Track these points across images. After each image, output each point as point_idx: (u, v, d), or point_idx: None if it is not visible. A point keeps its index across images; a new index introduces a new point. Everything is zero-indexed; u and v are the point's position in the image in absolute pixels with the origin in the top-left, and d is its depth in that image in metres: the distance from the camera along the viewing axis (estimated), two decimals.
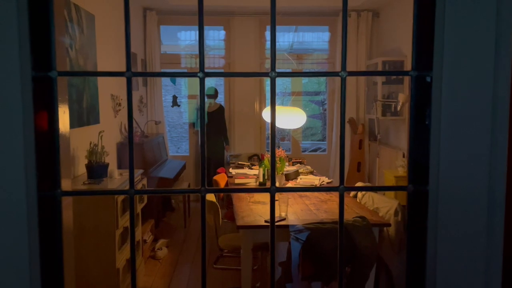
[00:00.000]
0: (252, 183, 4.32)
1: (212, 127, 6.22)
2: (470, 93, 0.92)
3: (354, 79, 6.50)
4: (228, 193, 4.58)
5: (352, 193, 3.89)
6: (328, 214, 3.29)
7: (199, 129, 6.47)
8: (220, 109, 6.34)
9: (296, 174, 4.52)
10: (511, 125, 0.94)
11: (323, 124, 7.96)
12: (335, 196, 3.72)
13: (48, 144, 0.94)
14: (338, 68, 6.60)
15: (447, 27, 0.91)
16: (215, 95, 6.36)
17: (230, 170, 4.99)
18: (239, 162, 5.49)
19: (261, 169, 4.13)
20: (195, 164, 6.82)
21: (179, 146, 8.19)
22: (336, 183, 5.54)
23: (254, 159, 6.13)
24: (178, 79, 7.38)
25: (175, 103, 6.74)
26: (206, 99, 6.11)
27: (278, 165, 4.19)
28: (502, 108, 0.92)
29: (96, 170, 3.39)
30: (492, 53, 0.91)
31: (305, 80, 7.82)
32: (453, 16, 0.91)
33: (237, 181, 4.40)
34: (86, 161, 3.42)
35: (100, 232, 3.22)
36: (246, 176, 4.60)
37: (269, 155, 1.01)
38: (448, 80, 0.92)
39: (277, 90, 6.89)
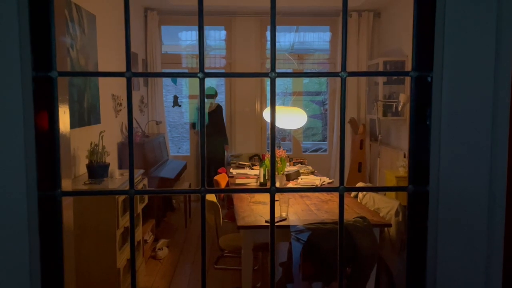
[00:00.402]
0: (253, 183, 4.32)
1: (212, 127, 6.22)
2: (470, 94, 0.92)
3: (355, 79, 6.49)
4: (228, 193, 4.58)
5: (353, 194, 3.89)
6: (329, 215, 3.29)
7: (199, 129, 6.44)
8: (219, 108, 6.35)
9: (297, 174, 4.52)
10: (511, 125, 0.94)
11: (324, 124, 7.97)
12: (336, 196, 3.72)
13: (48, 144, 0.95)
14: (339, 68, 6.60)
15: (447, 27, 0.91)
16: (215, 95, 6.37)
17: (231, 170, 4.99)
18: (240, 162, 5.49)
19: (262, 169, 4.13)
20: (196, 164, 6.83)
21: (180, 146, 8.20)
22: (337, 183, 5.54)
23: (255, 159, 6.13)
24: (179, 79, 7.39)
25: (176, 103, 6.74)
26: (206, 100, 6.11)
27: (279, 165, 4.19)
28: (502, 108, 0.92)
29: (97, 170, 3.39)
30: (493, 53, 0.91)
31: (306, 80, 7.82)
32: (453, 16, 0.91)
33: (238, 181, 4.40)
34: (87, 161, 3.42)
35: (100, 232, 3.22)
36: (247, 176, 4.60)
37: (270, 155, 1.02)
38: (449, 80, 0.92)
39: (278, 90, 6.85)
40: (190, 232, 5.35)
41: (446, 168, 0.94)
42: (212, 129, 6.20)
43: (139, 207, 4.09)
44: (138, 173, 4.13)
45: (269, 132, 1.02)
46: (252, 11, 6.46)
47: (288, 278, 3.01)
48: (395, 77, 5.79)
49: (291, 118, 4.23)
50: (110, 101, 4.48)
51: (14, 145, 0.90)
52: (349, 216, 3.13)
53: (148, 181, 4.51)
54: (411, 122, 0.97)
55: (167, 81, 7.28)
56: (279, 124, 4.26)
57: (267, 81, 6.89)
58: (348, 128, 6.47)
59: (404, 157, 5.39)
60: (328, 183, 4.44)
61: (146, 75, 4.65)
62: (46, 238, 0.95)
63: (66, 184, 1.01)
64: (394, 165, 5.62)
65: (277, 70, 0.97)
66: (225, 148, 6.40)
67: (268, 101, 6.79)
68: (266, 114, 4.92)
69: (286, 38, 7.11)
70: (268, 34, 6.74)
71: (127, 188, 1.00)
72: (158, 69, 6.46)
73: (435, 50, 0.93)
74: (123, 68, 0.96)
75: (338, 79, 0.97)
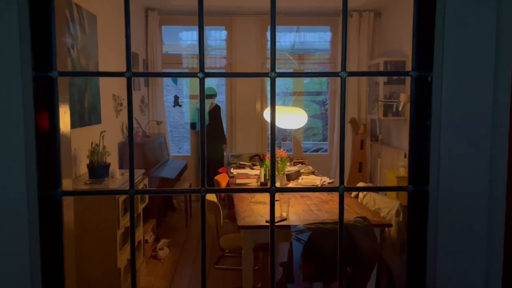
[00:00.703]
0: (253, 183, 4.32)
1: (211, 127, 6.23)
2: (470, 94, 0.92)
3: (355, 79, 6.49)
4: (229, 193, 4.59)
5: (354, 194, 3.89)
6: (330, 215, 3.29)
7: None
8: (217, 108, 6.36)
9: (298, 174, 4.52)
10: (511, 125, 0.94)
11: (325, 124, 7.97)
12: (336, 196, 3.71)
13: (49, 144, 0.95)
14: (339, 68, 6.59)
15: (447, 27, 0.91)
16: (215, 95, 6.39)
17: (232, 170, 4.99)
18: (241, 162, 5.49)
19: (262, 169, 4.13)
20: (197, 164, 6.83)
21: (180, 146, 8.21)
22: (338, 183, 5.53)
23: (256, 159, 6.13)
24: (179, 79, 7.39)
25: (176, 103, 6.74)
26: (206, 100, 6.12)
27: (279, 165, 4.19)
28: (502, 108, 0.92)
29: (98, 170, 3.39)
30: (492, 53, 0.91)
31: (306, 80, 7.82)
32: (453, 16, 0.91)
33: (238, 181, 4.40)
34: (87, 161, 3.43)
35: (101, 232, 3.23)
36: (247, 176, 4.60)
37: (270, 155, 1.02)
38: (448, 80, 0.92)
39: (278, 90, 6.83)
40: (190, 232, 5.35)
41: (446, 168, 0.94)
42: (210, 129, 6.21)
43: (140, 207, 4.09)
44: (138, 173, 4.13)
45: (270, 132, 1.02)
46: (252, 11, 6.46)
47: (289, 278, 3.01)
48: (396, 77, 5.79)
49: (291, 118, 4.23)
50: (110, 101, 4.48)
51: (14, 145, 0.90)
52: (349, 216, 3.13)
53: (148, 181, 4.51)
54: (411, 122, 0.97)
55: (167, 81, 7.28)
56: (280, 124, 4.26)
57: (268, 81, 6.87)
58: (348, 128, 6.47)
59: (405, 157, 5.39)
60: (329, 183, 4.44)
61: (146, 75, 4.65)
62: (46, 238, 0.95)
63: (67, 184, 1.01)
64: (394, 165, 5.62)
65: (277, 70, 0.97)
66: (223, 147, 6.40)
67: (269, 101, 6.78)
68: (267, 114, 4.92)
69: (286, 38, 7.11)
70: (268, 34, 6.74)
71: (128, 188, 1.00)
72: (159, 69, 6.46)
73: (435, 50, 0.93)
74: (123, 68, 0.96)
75: (339, 79, 0.97)
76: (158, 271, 4.19)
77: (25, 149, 0.91)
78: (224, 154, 6.46)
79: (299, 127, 4.86)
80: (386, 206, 3.38)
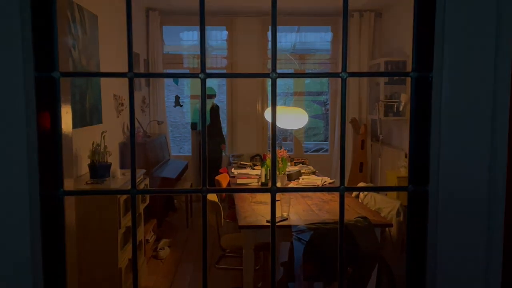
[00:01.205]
0: (254, 183, 4.32)
1: (211, 127, 6.24)
2: (470, 94, 0.93)
3: (356, 80, 6.49)
4: (230, 193, 4.59)
5: (354, 194, 3.89)
6: (330, 215, 3.29)
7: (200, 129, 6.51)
8: (217, 108, 6.37)
9: (298, 174, 4.52)
10: (511, 125, 0.94)
11: (326, 125, 7.97)
12: (337, 196, 3.72)
13: (50, 144, 0.95)
14: (340, 68, 6.58)
15: (447, 28, 0.91)
16: (215, 95, 6.41)
17: (232, 170, 4.99)
18: (241, 162, 5.49)
19: (263, 169, 4.13)
20: (198, 164, 6.83)
21: (181, 146, 8.22)
22: (338, 183, 5.52)
23: (256, 159, 6.13)
24: (180, 79, 7.39)
25: (177, 103, 6.75)
26: (207, 100, 6.12)
27: (280, 165, 4.19)
28: (502, 109, 0.93)
29: (99, 170, 3.40)
30: (492, 54, 0.92)
31: (307, 80, 7.82)
32: (453, 16, 0.91)
33: (239, 181, 4.41)
34: (89, 161, 3.43)
35: (102, 231, 3.23)
36: (248, 176, 4.60)
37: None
38: (448, 80, 0.92)
39: (279, 90, 6.82)
40: (191, 232, 5.35)
41: (446, 168, 0.94)
42: (210, 128, 6.21)
43: (141, 207, 4.09)
44: (139, 173, 4.13)
45: (270, 132, 1.03)
46: (253, 11, 6.46)
47: (290, 277, 3.01)
48: (396, 77, 5.79)
49: (292, 118, 4.24)
50: (112, 101, 4.49)
51: (16, 145, 0.91)
52: (350, 216, 3.13)
53: (149, 181, 4.51)
54: (411, 122, 0.97)
55: (168, 81, 7.29)
56: (280, 124, 4.27)
57: (269, 81, 6.87)
58: (349, 128, 6.47)
59: (406, 157, 5.39)
60: (330, 183, 4.44)
61: (148, 75, 4.65)
62: (48, 237, 0.96)
63: (68, 184, 1.01)
64: (395, 165, 5.62)
65: (278, 71, 0.97)
66: (221, 147, 6.41)
67: (270, 101, 6.76)
68: (268, 114, 4.92)
69: (287, 38, 7.11)
70: (269, 34, 6.74)
71: (129, 187, 1.00)
72: (160, 69, 6.47)
73: (435, 50, 0.93)
74: (125, 69, 0.96)
75: (340, 79, 0.97)
76: (159, 271, 4.19)
77: (27, 149, 0.91)
78: (223, 153, 6.47)
79: (299, 127, 4.86)
80: (386, 206, 3.39)
